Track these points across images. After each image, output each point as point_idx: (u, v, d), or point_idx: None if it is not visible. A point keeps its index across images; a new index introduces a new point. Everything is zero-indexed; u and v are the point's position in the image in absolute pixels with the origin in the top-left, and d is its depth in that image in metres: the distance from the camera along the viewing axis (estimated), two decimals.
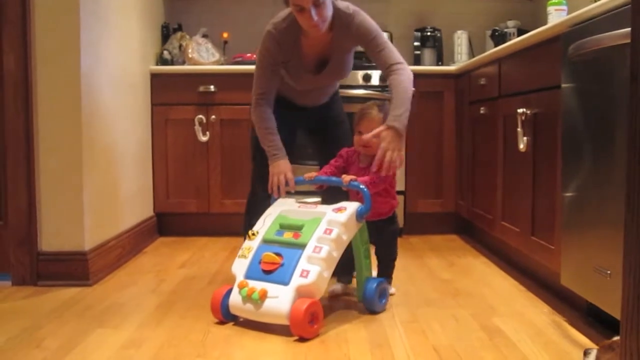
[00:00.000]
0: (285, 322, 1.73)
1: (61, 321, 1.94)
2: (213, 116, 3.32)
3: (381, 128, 1.97)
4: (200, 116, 3.31)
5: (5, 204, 2.39)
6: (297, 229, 1.90)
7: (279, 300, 1.75)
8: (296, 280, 1.77)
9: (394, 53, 2.09)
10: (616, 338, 1.22)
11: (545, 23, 2.37)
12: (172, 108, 3.35)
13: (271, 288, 1.77)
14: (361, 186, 1.96)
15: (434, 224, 3.48)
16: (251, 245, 1.93)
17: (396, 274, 2.56)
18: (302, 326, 1.71)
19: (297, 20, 2.01)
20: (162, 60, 3.47)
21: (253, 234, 1.95)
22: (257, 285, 1.80)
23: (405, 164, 3.36)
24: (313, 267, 1.78)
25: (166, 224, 3.45)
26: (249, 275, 1.85)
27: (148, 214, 3.29)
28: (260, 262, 1.84)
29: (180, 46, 3.51)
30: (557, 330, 1.82)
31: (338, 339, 1.75)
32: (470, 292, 2.26)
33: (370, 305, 1.99)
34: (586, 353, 1.35)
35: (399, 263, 2.64)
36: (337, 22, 2.08)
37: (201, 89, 3.31)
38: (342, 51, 2.17)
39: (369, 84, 3.32)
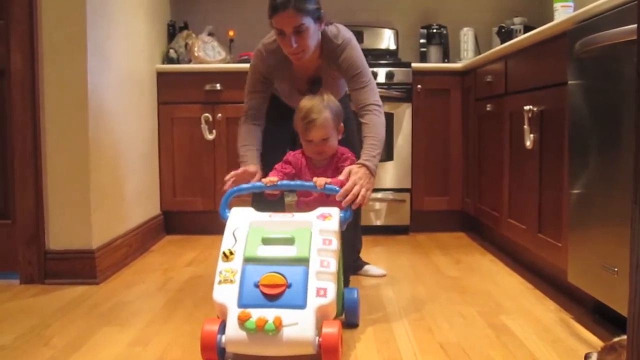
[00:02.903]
0: (311, 351, 1.48)
1: (69, 319, 1.95)
2: (219, 114, 3.32)
3: (353, 166, 1.87)
4: (207, 114, 3.31)
5: (13, 203, 2.40)
6: (287, 242, 1.63)
7: (300, 327, 1.48)
8: (314, 301, 1.52)
9: (375, 93, 2.03)
10: (617, 339, 1.20)
11: (551, 20, 2.36)
12: (178, 106, 3.36)
13: (284, 314, 1.49)
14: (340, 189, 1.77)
15: (441, 222, 3.48)
16: (233, 267, 1.60)
17: (403, 271, 2.56)
18: (338, 352, 1.49)
19: None
20: (168, 59, 3.48)
21: (231, 253, 1.63)
22: (266, 313, 1.49)
23: (412, 161, 3.36)
24: (328, 284, 1.55)
25: (173, 222, 3.46)
26: (245, 303, 1.53)
27: (155, 212, 3.30)
28: (257, 286, 1.54)
29: (187, 45, 3.52)
30: (564, 328, 1.82)
31: (345, 336, 1.74)
32: (477, 290, 2.26)
33: (354, 316, 1.83)
34: (587, 357, 1.32)
35: (405, 260, 2.63)
36: (325, 49, 2.06)
37: (207, 87, 3.32)
38: (333, 77, 2.15)
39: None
